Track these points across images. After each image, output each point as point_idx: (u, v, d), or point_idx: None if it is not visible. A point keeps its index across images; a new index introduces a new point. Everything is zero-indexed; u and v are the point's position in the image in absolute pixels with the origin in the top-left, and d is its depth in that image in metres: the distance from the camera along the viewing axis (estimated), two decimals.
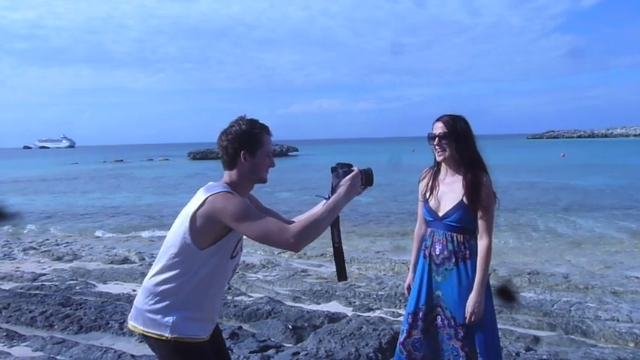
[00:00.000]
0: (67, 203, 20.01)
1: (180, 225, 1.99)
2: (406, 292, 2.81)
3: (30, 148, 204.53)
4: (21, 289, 6.78)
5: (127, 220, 15.32)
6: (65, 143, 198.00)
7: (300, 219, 2.00)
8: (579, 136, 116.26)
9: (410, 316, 2.63)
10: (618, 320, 5.50)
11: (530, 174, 27.74)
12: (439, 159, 2.60)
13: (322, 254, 9.29)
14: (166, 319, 2.00)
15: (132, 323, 2.09)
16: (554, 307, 5.95)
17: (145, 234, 12.57)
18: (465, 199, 2.54)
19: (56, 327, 4.93)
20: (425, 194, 2.70)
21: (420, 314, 2.60)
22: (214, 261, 2.00)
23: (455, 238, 2.56)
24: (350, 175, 2.03)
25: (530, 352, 4.23)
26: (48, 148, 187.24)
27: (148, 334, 2.04)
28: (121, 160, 63.57)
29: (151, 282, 2.04)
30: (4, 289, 6.62)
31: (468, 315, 2.46)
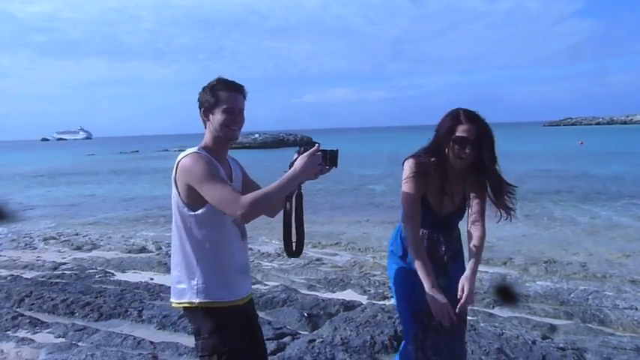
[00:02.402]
0: (85, 194, 20.30)
1: (173, 194, 2.09)
2: (443, 313, 2.27)
3: (48, 140, 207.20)
4: (42, 277, 6.93)
5: (144, 209, 15.50)
6: (82, 135, 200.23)
7: (256, 193, 1.97)
8: (598, 123, 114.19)
9: (419, 315, 2.37)
10: (637, 309, 5.44)
11: (547, 162, 27.37)
12: (458, 165, 2.31)
13: (337, 243, 9.31)
14: (191, 285, 2.07)
15: (171, 300, 2.18)
16: (571, 295, 5.91)
17: (161, 223, 12.72)
18: (467, 195, 2.44)
19: (77, 314, 5.04)
20: (425, 189, 2.38)
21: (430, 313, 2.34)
22: (215, 219, 2.05)
23: (455, 236, 2.49)
24: (307, 152, 2.01)
25: (547, 340, 4.21)
26: (65, 139, 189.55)
27: (182, 305, 2.11)
28: (137, 151, 64.19)
29: (173, 256, 2.15)
30: (27, 278, 6.77)
31: (462, 303, 2.26)
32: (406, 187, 2.34)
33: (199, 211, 2.04)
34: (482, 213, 2.41)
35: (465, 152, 2.26)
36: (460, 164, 2.31)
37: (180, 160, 2.04)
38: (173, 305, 2.17)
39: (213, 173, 1.98)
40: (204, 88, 2.13)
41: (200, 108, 2.14)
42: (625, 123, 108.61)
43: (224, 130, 2.10)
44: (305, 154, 2.00)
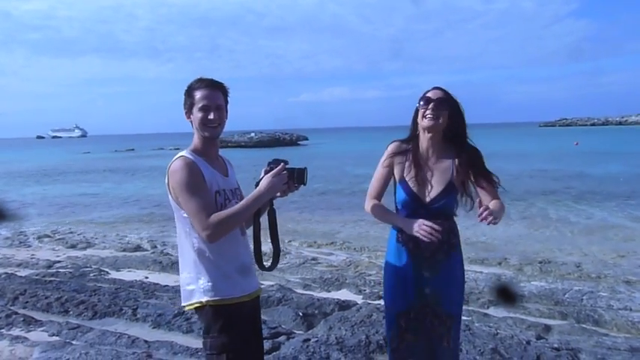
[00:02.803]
0: (80, 192, 20.21)
1: (169, 198, 2.13)
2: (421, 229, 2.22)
3: (43, 137, 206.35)
4: (37, 275, 6.90)
5: (139, 208, 15.46)
6: (77, 133, 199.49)
7: (223, 213, 2.02)
8: (593, 124, 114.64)
9: (399, 318, 2.34)
10: (631, 309, 5.46)
11: (542, 162, 27.46)
12: (428, 124, 2.28)
13: (332, 242, 9.31)
14: (198, 285, 2.09)
15: (182, 304, 2.20)
16: (566, 295, 5.92)
17: (156, 222, 12.68)
18: (454, 179, 2.30)
19: (71, 313, 5.02)
20: (402, 174, 2.36)
21: (412, 314, 2.32)
22: None
23: (443, 225, 2.26)
24: (272, 172, 2.05)
25: (541, 340, 4.23)
26: (60, 137, 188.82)
27: (193, 306, 2.12)
28: (132, 149, 64.01)
29: (180, 260, 2.18)
30: (21, 276, 6.74)
31: (486, 213, 2.04)
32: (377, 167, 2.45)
33: None
34: (493, 192, 2.31)
35: (429, 111, 2.28)
36: (431, 127, 2.29)
37: (169, 165, 2.09)
38: (185, 309, 2.20)
39: (192, 184, 2.00)
40: (185, 92, 2.16)
41: (184, 110, 2.17)
42: (620, 124, 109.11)
43: (203, 128, 2.11)
44: (270, 173, 2.04)
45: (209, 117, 2.09)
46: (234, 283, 2.11)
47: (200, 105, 2.09)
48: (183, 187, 2.00)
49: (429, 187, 2.32)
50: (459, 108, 2.35)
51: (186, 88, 2.15)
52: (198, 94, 2.10)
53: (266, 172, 2.06)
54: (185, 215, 2.06)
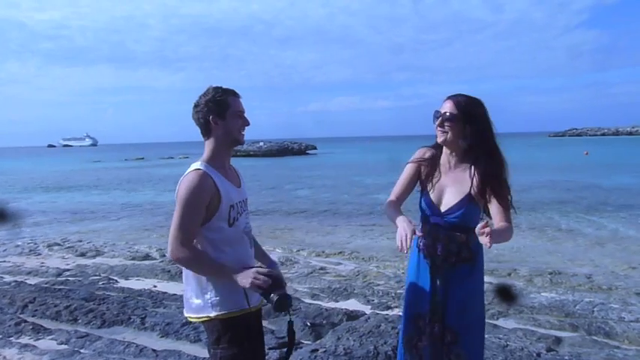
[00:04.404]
0: (90, 201, 20.38)
1: None
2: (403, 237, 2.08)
3: (54, 146, 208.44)
4: (46, 284, 6.93)
5: (148, 217, 15.53)
6: (88, 142, 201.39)
7: (199, 251, 2.05)
8: (603, 134, 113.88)
9: (415, 320, 2.35)
10: None
11: (551, 173, 27.28)
12: (439, 140, 2.28)
13: (340, 252, 9.29)
14: (205, 299, 2.09)
15: (186, 314, 2.20)
16: (577, 307, 5.85)
17: (165, 230, 12.72)
18: (472, 191, 2.22)
19: (80, 321, 5.04)
20: (425, 181, 2.35)
21: (427, 319, 2.31)
22: (224, 233, 2.08)
23: (457, 237, 2.25)
24: (264, 271, 2.05)
25: (552, 352, 4.18)
26: (71, 146, 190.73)
27: (200, 320, 2.12)
28: (142, 158, 64.47)
29: (184, 272, 2.17)
30: (30, 284, 6.78)
31: (486, 230, 1.88)
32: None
33: (204, 225, 2.06)
34: (503, 213, 2.17)
35: (441, 126, 2.24)
36: (442, 142, 2.27)
37: (183, 177, 2.08)
38: (191, 320, 2.20)
39: (192, 203, 2.01)
40: (208, 98, 2.10)
41: (206, 116, 2.10)
42: (631, 134, 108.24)
43: (238, 135, 2.14)
44: (261, 271, 2.02)
45: (247, 123, 2.15)
46: (242, 296, 2.09)
47: (237, 111, 2.12)
48: (183, 201, 2.01)
49: (446, 198, 2.29)
50: (475, 117, 2.23)
51: (216, 93, 2.10)
52: (233, 101, 2.11)
53: (272, 303, 1.99)
54: None
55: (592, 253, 9.36)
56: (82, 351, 4.10)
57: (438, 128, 2.26)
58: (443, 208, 2.29)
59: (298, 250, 9.44)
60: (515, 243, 9.87)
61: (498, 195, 2.19)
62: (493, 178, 2.20)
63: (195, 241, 2.07)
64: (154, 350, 4.09)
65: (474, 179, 2.23)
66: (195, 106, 2.13)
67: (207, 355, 3.57)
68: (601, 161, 35.72)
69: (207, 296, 2.07)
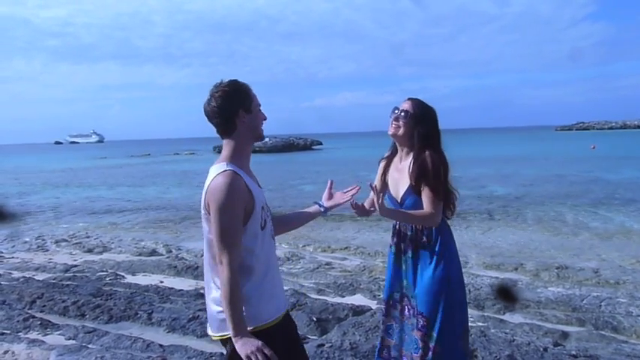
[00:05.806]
0: (97, 197, 20.46)
1: (203, 222, 1.93)
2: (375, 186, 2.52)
3: (61, 143, 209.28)
4: (54, 279, 6.99)
5: (154, 213, 15.58)
6: (95, 138, 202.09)
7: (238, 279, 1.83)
8: (610, 128, 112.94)
9: (385, 303, 2.68)
10: None
11: (558, 166, 27.08)
12: (389, 132, 2.56)
13: (346, 247, 9.30)
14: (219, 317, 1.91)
15: (210, 333, 2.01)
16: (584, 302, 5.83)
17: (171, 227, 12.79)
18: (411, 183, 2.48)
19: (87, 316, 5.08)
20: (385, 177, 2.69)
21: (392, 302, 2.63)
22: (256, 242, 1.90)
23: (412, 225, 2.52)
24: (266, 349, 1.82)
25: (559, 347, 4.17)
26: (78, 143, 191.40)
27: (225, 337, 1.91)
28: (148, 155, 64.65)
29: (207, 288, 1.97)
30: (38, 280, 6.83)
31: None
32: None
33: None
34: (427, 202, 2.42)
35: (396, 121, 2.52)
36: (392, 135, 2.57)
37: (211, 182, 1.86)
38: (213, 339, 1.99)
39: (232, 207, 1.81)
40: (232, 89, 1.90)
41: (232, 110, 1.89)
42: (638, 127, 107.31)
43: (261, 130, 1.98)
44: (263, 347, 1.82)
45: (265, 117, 1.98)
46: (269, 307, 1.94)
47: (259, 104, 1.96)
48: (219, 207, 1.80)
49: (399, 189, 2.57)
50: (426, 121, 2.51)
51: (236, 87, 1.90)
52: (253, 94, 1.94)
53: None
54: None
55: (599, 248, 9.30)
56: (89, 346, 4.13)
57: (393, 122, 2.54)
58: (397, 199, 2.58)
59: (304, 246, 9.46)
60: (521, 237, 9.84)
61: (426, 187, 2.44)
62: (424, 173, 2.45)
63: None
64: (160, 345, 4.12)
65: (411, 172, 2.50)
66: (215, 98, 1.88)
67: (214, 350, 3.59)
68: (608, 155, 35.45)
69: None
